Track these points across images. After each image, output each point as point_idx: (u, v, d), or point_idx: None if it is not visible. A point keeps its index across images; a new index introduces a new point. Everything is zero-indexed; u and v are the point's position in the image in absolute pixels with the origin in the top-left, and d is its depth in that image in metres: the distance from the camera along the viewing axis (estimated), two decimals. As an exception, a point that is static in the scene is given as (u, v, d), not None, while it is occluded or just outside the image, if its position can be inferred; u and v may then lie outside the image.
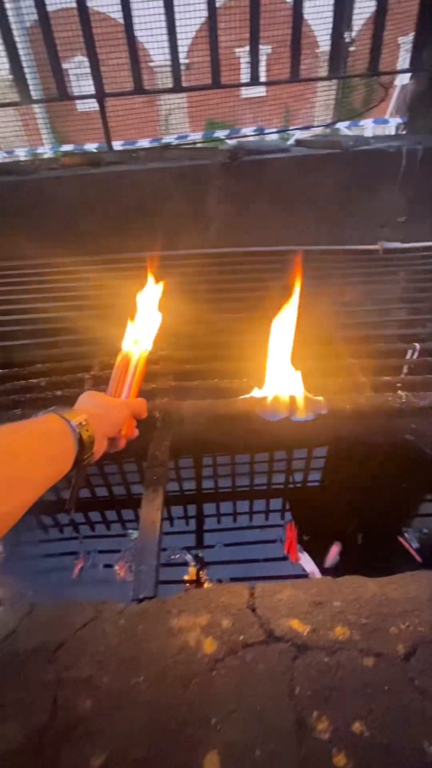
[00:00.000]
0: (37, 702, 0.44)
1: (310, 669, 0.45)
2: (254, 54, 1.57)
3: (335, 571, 1.01)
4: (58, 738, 0.40)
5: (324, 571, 1.03)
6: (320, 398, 0.89)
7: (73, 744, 0.40)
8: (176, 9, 1.56)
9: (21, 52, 1.66)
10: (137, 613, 0.59)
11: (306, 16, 1.64)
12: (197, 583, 1.02)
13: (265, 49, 1.95)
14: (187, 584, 1.04)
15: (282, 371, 0.82)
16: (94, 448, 0.48)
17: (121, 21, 1.59)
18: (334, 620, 0.53)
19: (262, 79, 1.70)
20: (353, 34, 1.84)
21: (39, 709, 0.43)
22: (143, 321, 0.71)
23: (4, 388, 1.14)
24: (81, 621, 0.58)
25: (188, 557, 1.10)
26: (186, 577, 1.05)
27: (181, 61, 1.70)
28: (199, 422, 1.04)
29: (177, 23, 1.60)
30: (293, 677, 0.45)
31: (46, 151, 5.19)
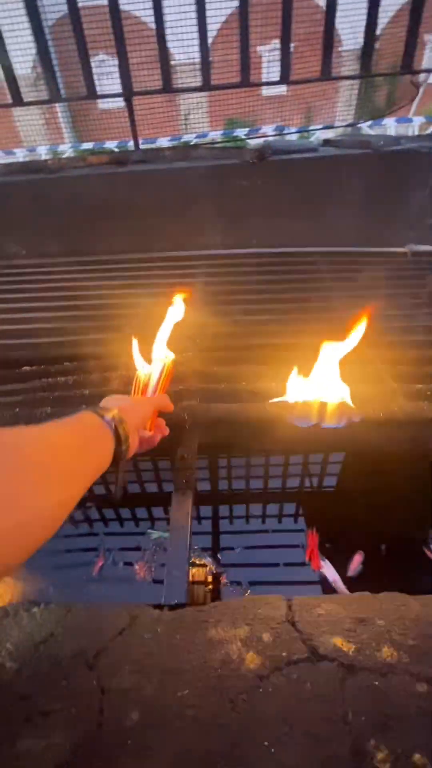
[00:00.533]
0: (83, 712, 0.43)
1: (361, 692, 0.44)
2: (285, 51, 1.55)
3: (358, 581, 1.00)
4: (108, 752, 0.40)
5: (346, 581, 1.01)
6: (352, 406, 0.87)
7: (124, 760, 0.39)
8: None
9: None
10: (174, 620, 0.58)
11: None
12: (215, 585, 1.02)
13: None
14: (206, 586, 1.03)
15: (324, 378, 0.80)
16: (129, 441, 0.49)
17: (143, 19, 1.58)
18: (380, 640, 0.52)
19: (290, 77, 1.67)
20: (379, 31, 1.80)
21: (85, 720, 0.42)
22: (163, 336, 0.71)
23: (32, 385, 1.15)
24: (117, 626, 0.57)
25: (208, 559, 1.09)
26: (205, 580, 1.04)
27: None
28: (227, 425, 1.03)
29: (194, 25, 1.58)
30: (344, 700, 0.43)
31: (66, 149, 5.24)
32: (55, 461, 0.36)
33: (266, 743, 0.40)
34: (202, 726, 0.41)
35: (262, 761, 0.38)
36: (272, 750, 0.39)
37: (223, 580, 1.04)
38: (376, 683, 0.45)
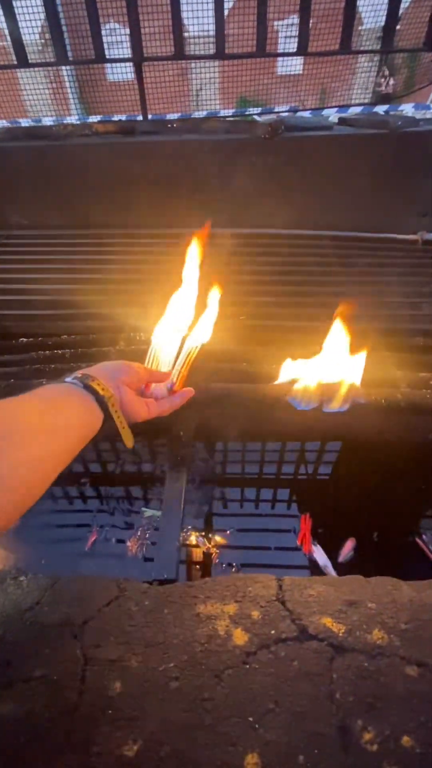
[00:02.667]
0: (65, 680, 0.42)
1: (349, 672, 0.43)
2: (305, 19, 1.47)
3: (348, 567, 0.99)
4: (88, 720, 0.39)
5: (337, 566, 1.01)
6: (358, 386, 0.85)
7: (104, 729, 0.38)
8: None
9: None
10: (162, 594, 0.57)
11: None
12: (206, 565, 1.02)
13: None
14: (197, 565, 1.03)
15: (331, 358, 0.78)
16: (113, 392, 0.49)
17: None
18: (371, 623, 0.51)
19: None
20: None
21: (67, 688, 0.42)
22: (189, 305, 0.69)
23: (28, 356, 1.12)
24: (105, 598, 0.56)
25: (200, 539, 1.09)
26: (196, 559, 1.04)
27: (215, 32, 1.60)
28: (225, 405, 1.01)
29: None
30: (332, 680, 0.42)
31: (73, 120, 5.08)
32: (8, 424, 0.36)
33: (251, 719, 0.39)
34: (185, 699, 0.41)
35: (246, 737, 0.37)
36: (257, 725, 0.38)
37: (215, 560, 1.04)
38: (366, 665, 0.44)
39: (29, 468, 0.35)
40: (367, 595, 0.56)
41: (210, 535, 1.08)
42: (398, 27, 1.81)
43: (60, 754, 0.37)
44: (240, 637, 0.49)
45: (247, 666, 0.44)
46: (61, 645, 0.48)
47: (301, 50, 1.55)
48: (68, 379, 0.48)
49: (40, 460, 0.37)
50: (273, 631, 0.50)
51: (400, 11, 1.61)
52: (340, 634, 0.49)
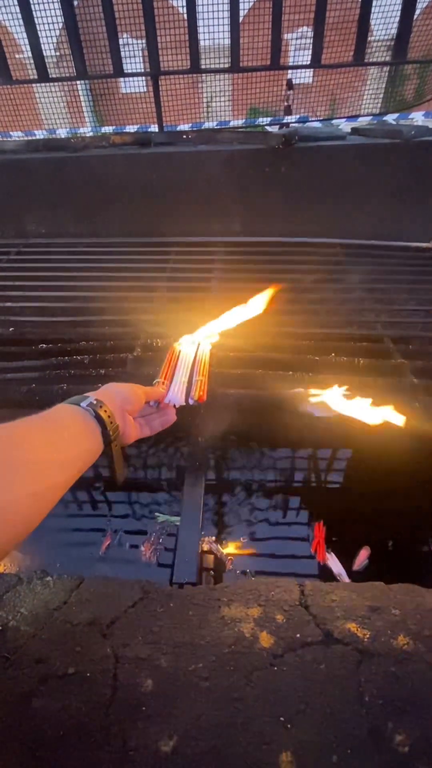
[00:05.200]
0: (98, 677, 0.44)
1: (377, 677, 0.43)
2: (319, 32, 1.50)
3: (363, 576, 0.99)
4: (123, 716, 0.40)
5: (351, 574, 1.01)
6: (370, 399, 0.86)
7: (139, 724, 0.39)
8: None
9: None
10: (186, 597, 0.58)
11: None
12: (220, 572, 1.02)
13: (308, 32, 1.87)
14: (211, 572, 1.04)
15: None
16: (118, 423, 0.49)
17: (171, 2, 1.54)
18: (396, 629, 0.51)
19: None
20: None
21: (100, 684, 0.43)
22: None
23: (48, 362, 1.15)
24: (130, 599, 0.58)
25: (213, 546, 1.09)
26: (210, 566, 1.04)
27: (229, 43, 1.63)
28: (242, 412, 1.02)
29: (223, 6, 1.54)
30: (360, 683, 0.43)
31: (87, 131, 5.19)
32: (18, 454, 0.35)
33: (282, 718, 0.39)
34: (216, 698, 0.41)
35: (278, 736, 0.38)
36: (288, 725, 0.39)
37: (228, 567, 1.04)
38: (393, 669, 0.44)
39: (32, 501, 0.35)
40: (391, 602, 0.57)
41: (224, 542, 1.08)
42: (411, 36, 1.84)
43: (97, 748, 0.38)
44: (266, 639, 0.49)
45: (275, 668, 0.45)
46: (90, 643, 0.49)
47: (315, 62, 1.58)
48: (84, 405, 0.47)
49: (43, 493, 0.36)
50: (298, 635, 0.50)
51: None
52: (365, 639, 0.49)
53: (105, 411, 0.48)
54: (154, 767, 0.37)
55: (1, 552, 0.32)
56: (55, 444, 0.40)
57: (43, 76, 1.67)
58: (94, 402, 0.48)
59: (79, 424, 0.45)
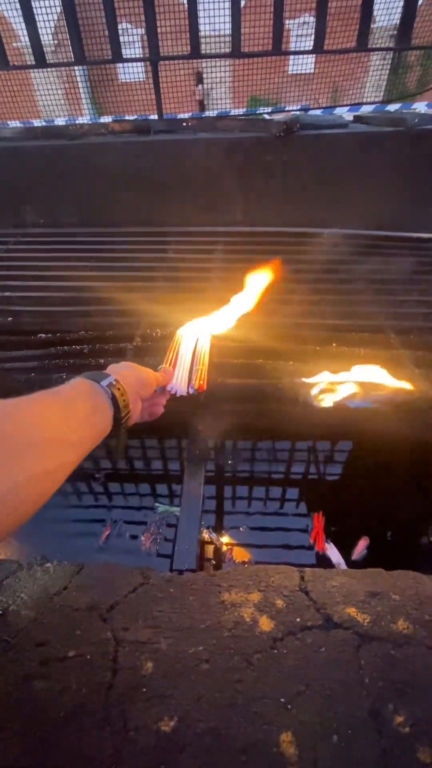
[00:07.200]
0: (98, 659, 0.44)
1: (377, 660, 0.44)
2: (321, 16, 1.47)
3: (362, 566, 0.99)
4: (123, 698, 0.40)
5: (350, 565, 1.01)
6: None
7: (139, 706, 0.39)
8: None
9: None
10: (186, 583, 0.58)
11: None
12: (219, 561, 1.03)
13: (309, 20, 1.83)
14: (210, 561, 1.04)
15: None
16: (130, 407, 0.49)
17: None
18: (395, 613, 0.51)
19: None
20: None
21: (100, 667, 0.43)
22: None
23: (47, 352, 1.14)
24: (130, 585, 0.58)
25: (213, 536, 1.09)
26: (208, 555, 1.04)
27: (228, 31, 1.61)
28: (242, 401, 1.02)
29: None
30: (360, 666, 0.43)
31: (86, 121, 5.13)
32: (34, 431, 0.35)
33: (282, 700, 0.40)
34: (217, 680, 0.42)
35: (279, 716, 0.38)
36: (289, 706, 0.39)
37: (227, 556, 1.05)
38: (393, 653, 0.44)
39: (44, 479, 0.34)
40: (390, 588, 0.57)
41: (222, 532, 1.09)
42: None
43: (98, 728, 0.38)
44: (266, 624, 0.49)
45: (275, 651, 0.45)
46: (90, 627, 0.49)
47: (318, 48, 1.55)
48: (104, 384, 0.47)
49: (55, 471, 0.35)
50: (298, 619, 0.50)
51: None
52: (365, 624, 0.50)
53: (122, 394, 0.48)
54: (154, 747, 0.37)
55: (11, 528, 0.32)
56: (70, 423, 0.40)
57: (41, 62, 1.64)
58: (114, 382, 0.48)
59: (95, 404, 0.45)
